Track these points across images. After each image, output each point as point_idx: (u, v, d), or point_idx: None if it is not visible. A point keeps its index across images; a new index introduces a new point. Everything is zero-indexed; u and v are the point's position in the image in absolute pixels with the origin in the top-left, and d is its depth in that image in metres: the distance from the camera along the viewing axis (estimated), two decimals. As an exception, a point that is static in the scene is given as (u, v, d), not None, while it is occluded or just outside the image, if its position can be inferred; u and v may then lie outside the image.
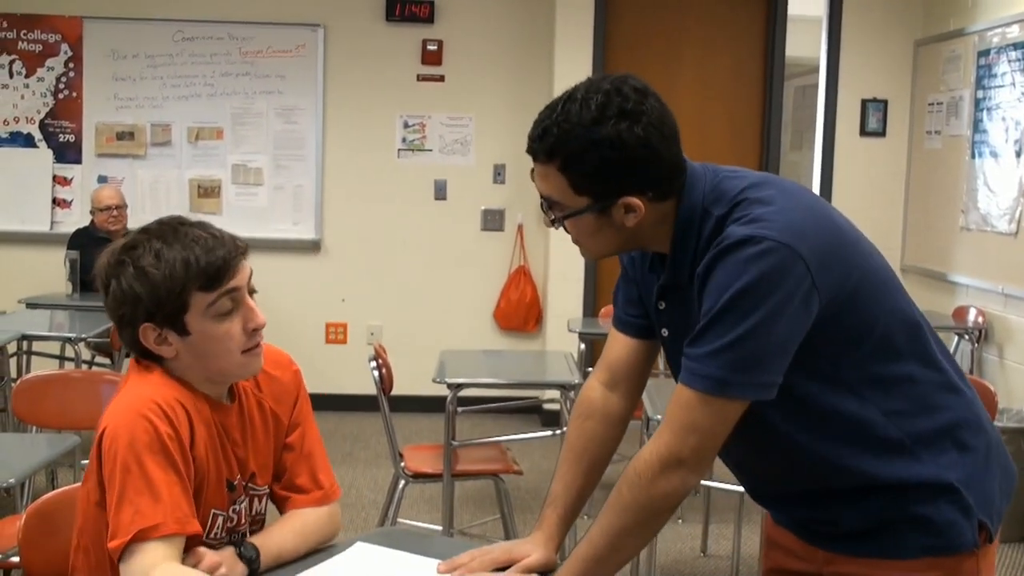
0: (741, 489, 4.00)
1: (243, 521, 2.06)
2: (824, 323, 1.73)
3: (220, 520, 2.00)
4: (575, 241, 1.90)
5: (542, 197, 1.83)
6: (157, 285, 1.88)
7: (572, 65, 6.49)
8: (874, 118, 6.90)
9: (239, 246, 1.96)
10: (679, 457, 1.75)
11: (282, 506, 2.14)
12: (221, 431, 1.99)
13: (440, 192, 7.10)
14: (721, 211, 1.77)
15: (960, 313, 5.99)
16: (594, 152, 1.73)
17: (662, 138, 1.75)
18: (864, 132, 6.92)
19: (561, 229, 1.89)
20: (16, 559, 2.59)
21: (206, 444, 1.94)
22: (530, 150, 1.80)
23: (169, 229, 1.93)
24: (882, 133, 6.92)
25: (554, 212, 1.83)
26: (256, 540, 2.01)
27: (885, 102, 6.90)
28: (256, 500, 2.08)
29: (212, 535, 1.98)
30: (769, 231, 1.69)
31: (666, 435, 1.77)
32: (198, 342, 1.92)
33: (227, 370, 1.98)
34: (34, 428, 3.99)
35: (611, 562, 1.82)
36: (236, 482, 2.02)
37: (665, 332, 1.94)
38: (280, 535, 2.07)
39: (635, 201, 1.77)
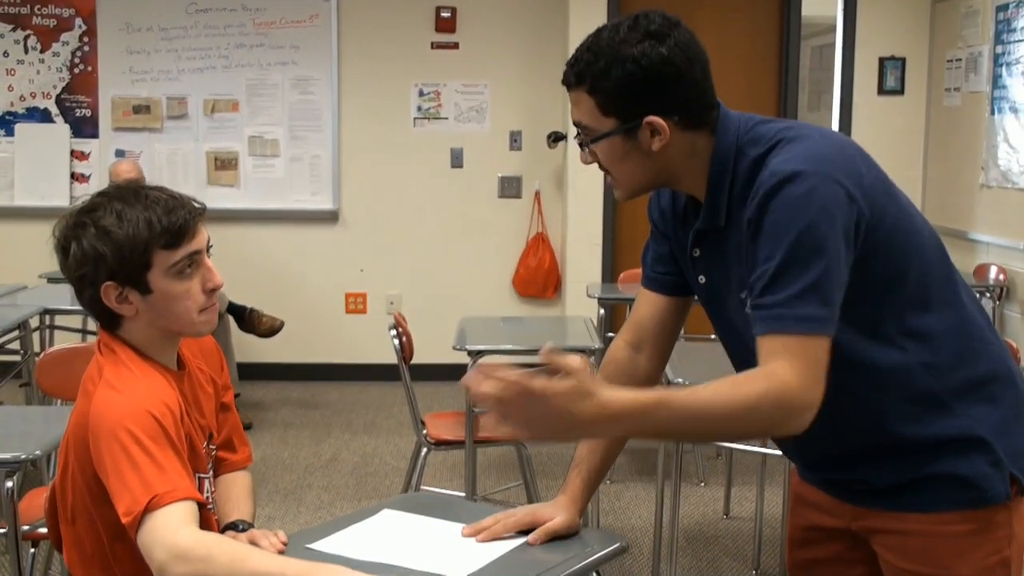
0: (764, 451, 4.03)
1: (214, 484, 2.16)
2: (862, 263, 1.71)
3: (206, 484, 2.08)
4: (608, 176, 1.89)
5: (574, 124, 1.86)
6: (121, 244, 1.92)
7: (587, 29, 6.40)
8: (892, 76, 6.85)
9: (197, 207, 2.01)
10: (814, 403, 1.67)
11: (218, 466, 2.22)
12: (184, 398, 2.04)
13: (456, 160, 7.09)
14: (758, 151, 1.77)
15: (981, 271, 5.96)
16: (618, 68, 1.76)
17: (687, 60, 1.78)
18: (882, 91, 6.86)
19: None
20: (43, 530, 2.63)
21: (183, 416, 1.99)
22: (564, 80, 1.84)
23: (128, 192, 1.98)
24: (900, 91, 6.87)
25: (583, 135, 1.85)
26: (234, 512, 2.14)
27: (903, 60, 6.84)
28: (211, 460, 2.17)
29: (205, 499, 2.04)
30: (812, 164, 1.69)
31: (809, 381, 1.65)
32: (159, 301, 1.97)
33: (184, 328, 2.04)
34: (58, 401, 4.02)
35: (683, 428, 1.76)
36: (205, 445, 2.10)
37: (702, 279, 1.92)
38: (245, 503, 2.19)
39: (659, 121, 1.77)
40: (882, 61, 6.83)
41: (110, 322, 2.02)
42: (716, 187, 1.82)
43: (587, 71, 1.79)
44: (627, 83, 1.76)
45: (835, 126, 6.92)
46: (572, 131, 1.88)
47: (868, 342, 1.78)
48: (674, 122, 1.79)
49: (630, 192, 1.91)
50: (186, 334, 2.07)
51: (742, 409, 1.67)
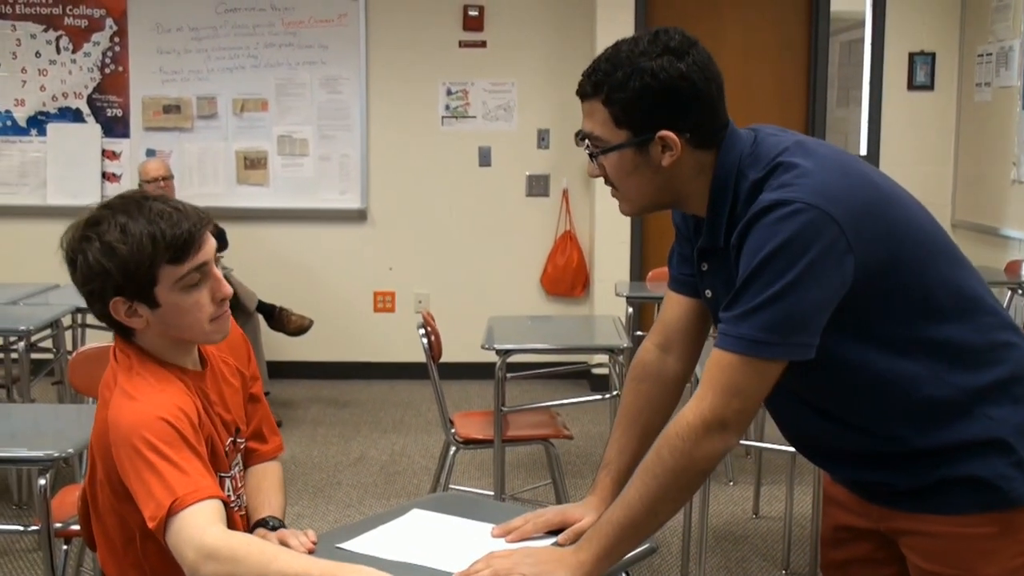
0: (793, 450, 4.01)
1: (240, 480, 2.15)
2: (864, 284, 1.73)
3: (228, 483, 2.07)
4: (614, 192, 1.91)
5: (585, 136, 1.86)
6: (125, 260, 1.90)
7: (614, 27, 6.44)
8: (922, 71, 6.80)
9: (203, 218, 1.98)
10: (723, 420, 1.75)
11: (248, 457, 2.22)
12: (204, 398, 2.04)
13: (484, 159, 7.09)
14: (756, 175, 1.78)
15: (1013, 267, 5.90)
16: (636, 80, 1.77)
17: (704, 78, 1.78)
18: (912, 86, 6.82)
19: (606, 195, 1.90)
20: (76, 527, 2.65)
21: (203, 417, 1.99)
22: (579, 90, 1.85)
23: (133, 203, 1.95)
24: (930, 87, 6.82)
25: (594, 147, 1.85)
26: (264, 507, 2.13)
27: (933, 55, 6.79)
28: (240, 454, 2.16)
29: (228, 498, 2.04)
30: (798, 193, 1.70)
31: (709, 398, 1.76)
32: (168, 313, 1.96)
33: (196, 338, 2.03)
34: (90, 399, 4.05)
35: (646, 527, 1.83)
36: (228, 441, 2.09)
37: (708, 293, 1.95)
38: (276, 497, 2.18)
39: (671, 136, 1.78)
40: (912, 56, 6.79)
41: (123, 332, 2.02)
42: (716, 207, 1.84)
43: (604, 81, 1.80)
44: (643, 95, 1.77)
45: (864, 123, 6.88)
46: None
47: (880, 354, 1.78)
48: (686, 139, 1.80)
49: (636, 208, 1.94)
50: (198, 343, 2.06)
51: (656, 453, 1.80)
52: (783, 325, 1.71)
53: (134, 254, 1.89)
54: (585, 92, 1.84)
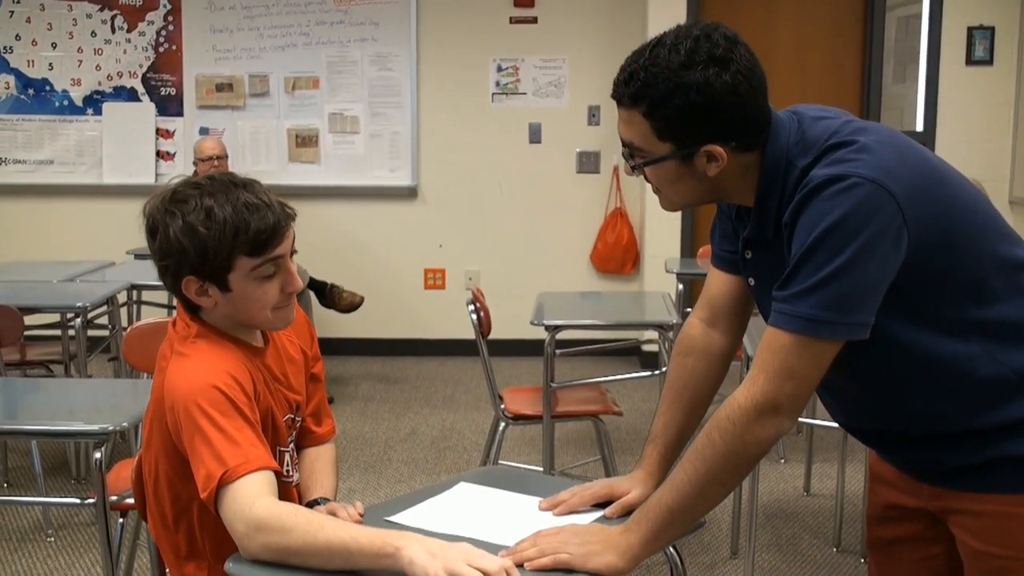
0: (844, 427, 3.97)
1: (296, 455, 2.18)
2: (915, 264, 1.69)
3: (287, 457, 2.10)
4: (655, 190, 1.88)
5: (624, 144, 1.81)
6: (204, 244, 1.93)
7: (666, 1, 6.40)
8: (981, 46, 6.68)
9: (288, 213, 2.00)
10: (776, 404, 1.72)
11: (303, 438, 2.25)
12: (266, 373, 2.07)
13: (535, 135, 7.08)
14: (806, 161, 1.74)
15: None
16: (680, 96, 1.69)
17: (750, 87, 1.72)
18: (970, 61, 6.70)
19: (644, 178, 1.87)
20: (131, 500, 2.69)
21: (262, 390, 2.02)
22: (615, 95, 1.78)
23: (221, 188, 1.96)
24: (989, 62, 6.69)
25: (636, 159, 1.81)
26: (317, 488, 2.16)
27: (992, 29, 6.67)
28: (295, 431, 2.18)
29: (284, 471, 2.07)
30: (856, 168, 1.66)
31: (761, 381, 1.72)
32: (236, 298, 1.99)
33: (257, 325, 2.07)
34: (145, 374, 4.11)
35: (695, 511, 1.80)
36: (287, 417, 2.11)
37: (752, 281, 1.93)
38: (328, 478, 2.21)
39: (718, 150, 1.74)
40: (970, 31, 6.66)
41: (190, 308, 2.06)
42: (764, 200, 1.80)
43: (644, 94, 1.72)
44: (689, 112, 1.70)
45: (921, 98, 6.78)
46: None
47: (932, 335, 1.75)
48: (731, 148, 1.75)
49: (677, 208, 1.91)
50: (260, 328, 2.10)
51: (707, 435, 1.77)
52: (842, 303, 1.66)
53: (213, 240, 1.92)
54: (621, 100, 1.77)
